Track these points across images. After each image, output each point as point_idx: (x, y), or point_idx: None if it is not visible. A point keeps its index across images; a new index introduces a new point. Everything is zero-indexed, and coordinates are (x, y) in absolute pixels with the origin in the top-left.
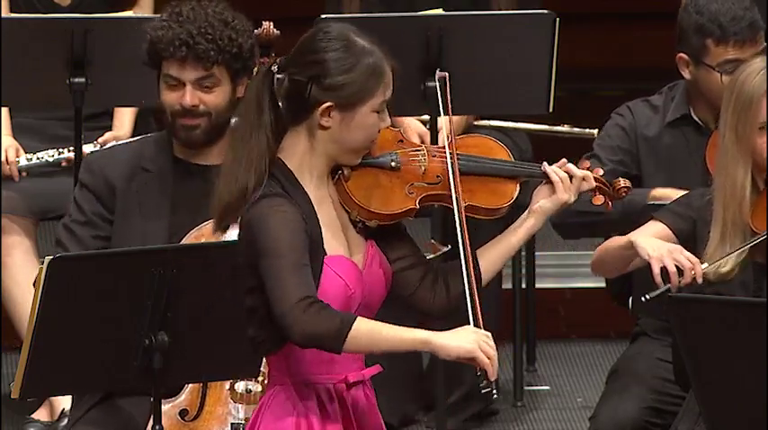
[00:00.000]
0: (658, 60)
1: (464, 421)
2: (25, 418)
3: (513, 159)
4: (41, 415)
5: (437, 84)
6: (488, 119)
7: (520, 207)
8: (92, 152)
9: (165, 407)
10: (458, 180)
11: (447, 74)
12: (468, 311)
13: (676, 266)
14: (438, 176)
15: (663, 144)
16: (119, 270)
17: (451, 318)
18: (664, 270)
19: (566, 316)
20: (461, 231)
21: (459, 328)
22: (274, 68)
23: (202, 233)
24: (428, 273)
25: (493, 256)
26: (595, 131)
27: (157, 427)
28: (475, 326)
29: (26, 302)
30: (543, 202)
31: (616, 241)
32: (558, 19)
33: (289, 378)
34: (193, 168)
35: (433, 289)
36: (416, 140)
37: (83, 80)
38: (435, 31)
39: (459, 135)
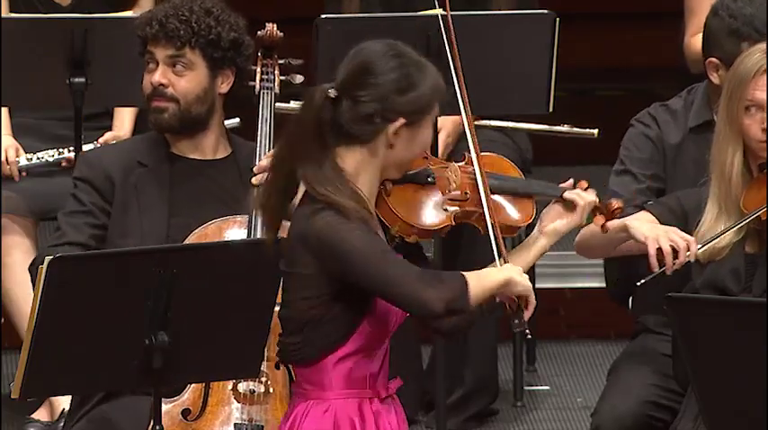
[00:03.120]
0: (658, 60)
1: (464, 421)
2: (25, 418)
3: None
4: (41, 415)
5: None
6: (488, 119)
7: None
8: (87, 150)
9: (168, 406)
10: (489, 197)
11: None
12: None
13: (671, 247)
14: (466, 193)
15: (686, 152)
16: (119, 270)
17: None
18: (659, 252)
19: (566, 316)
20: (497, 247)
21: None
22: (331, 93)
23: (206, 233)
24: None
25: None
26: (595, 131)
27: (158, 427)
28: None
29: (26, 302)
30: (558, 224)
31: None
32: (558, 19)
33: (327, 392)
34: (189, 163)
35: None
36: None
37: (83, 80)
38: (435, 31)
39: (457, 136)
